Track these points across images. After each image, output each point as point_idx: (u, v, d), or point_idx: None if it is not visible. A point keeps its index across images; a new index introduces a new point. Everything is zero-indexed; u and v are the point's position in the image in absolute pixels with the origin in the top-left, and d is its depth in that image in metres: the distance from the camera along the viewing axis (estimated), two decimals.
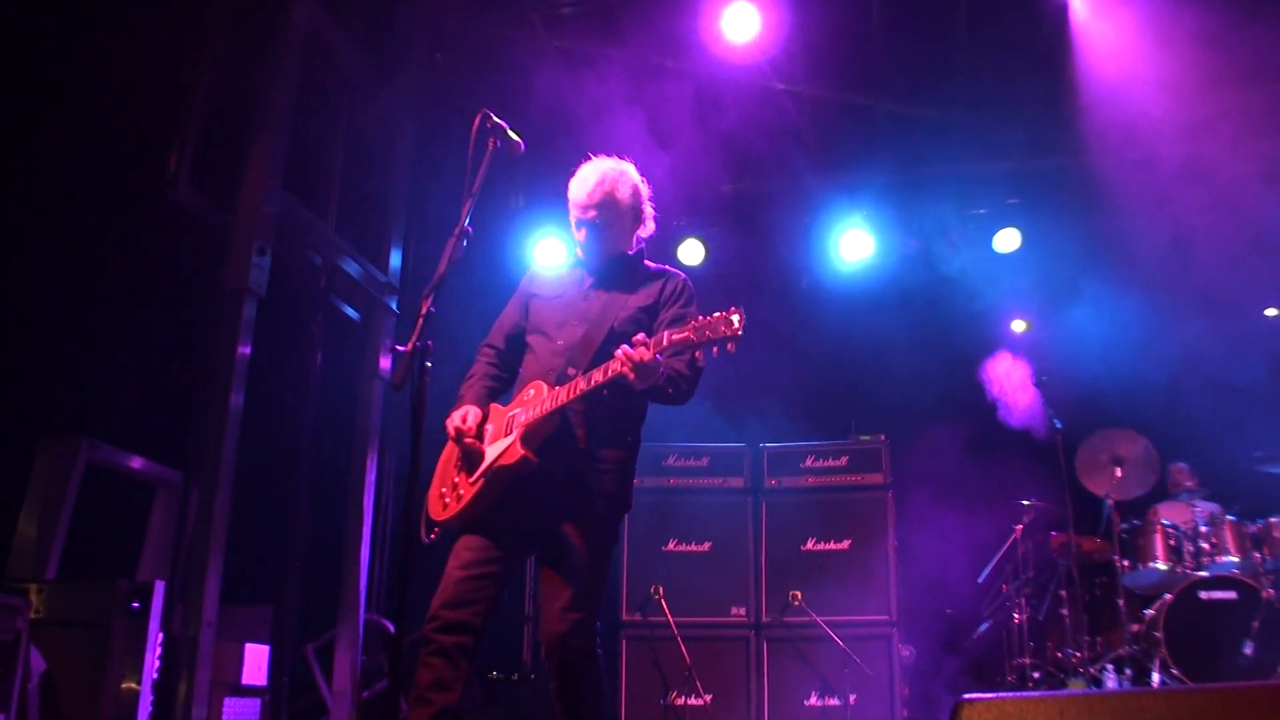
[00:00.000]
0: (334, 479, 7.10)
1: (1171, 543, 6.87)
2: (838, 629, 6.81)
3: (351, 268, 6.98)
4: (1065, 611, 7.07)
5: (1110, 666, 6.33)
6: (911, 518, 7.41)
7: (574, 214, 4.01)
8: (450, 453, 3.86)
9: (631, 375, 3.47)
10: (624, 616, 7.10)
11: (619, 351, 3.48)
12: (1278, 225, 8.20)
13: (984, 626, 7.67)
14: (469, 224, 3.33)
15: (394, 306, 7.49)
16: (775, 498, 7.36)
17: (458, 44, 8.00)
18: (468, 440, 3.72)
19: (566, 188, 4.01)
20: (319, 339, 6.92)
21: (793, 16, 7.35)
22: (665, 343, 3.48)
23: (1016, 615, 7.28)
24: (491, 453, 3.70)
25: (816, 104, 8.23)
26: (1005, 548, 7.52)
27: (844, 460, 7.31)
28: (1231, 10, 6.77)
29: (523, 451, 3.63)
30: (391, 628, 7.46)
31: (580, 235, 4.01)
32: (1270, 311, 9.06)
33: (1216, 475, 7.43)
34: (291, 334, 6.83)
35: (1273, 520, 6.85)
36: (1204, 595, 6.28)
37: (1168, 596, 6.42)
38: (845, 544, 7.14)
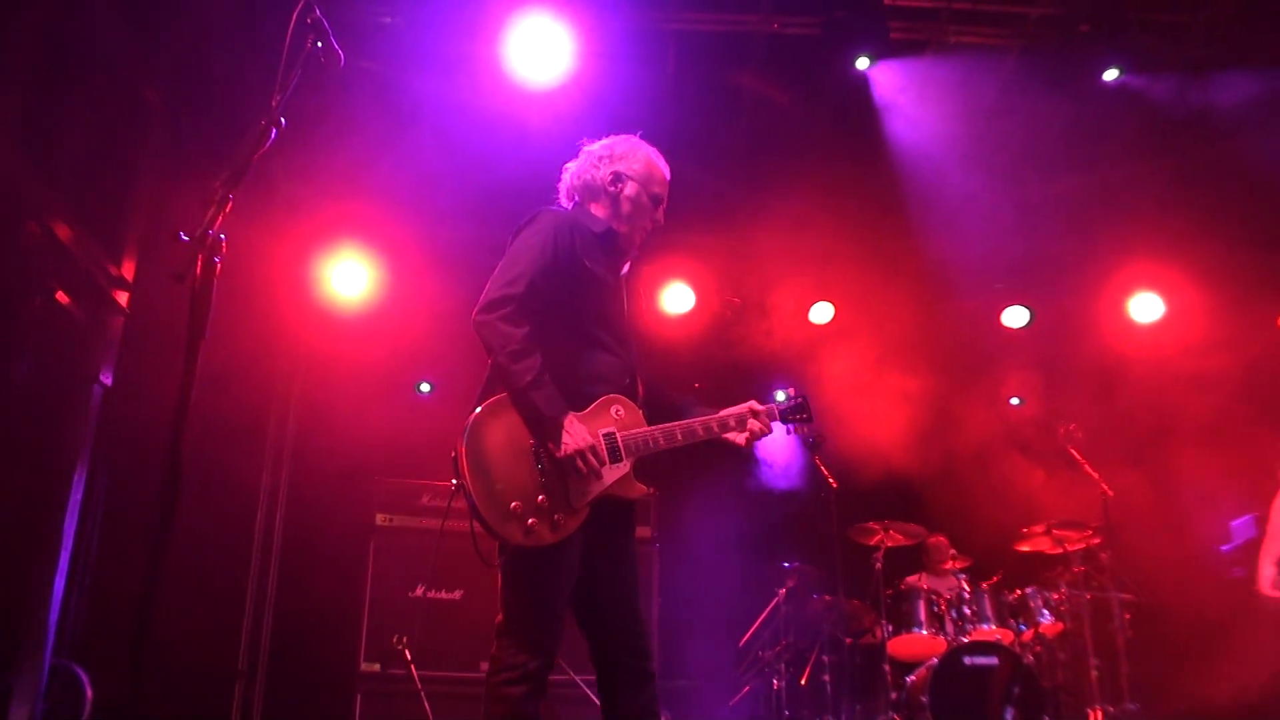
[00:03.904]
0: (23, 496, 6.22)
1: (935, 609, 6.95)
2: (595, 688, 6.44)
3: (81, 253, 6.23)
4: (827, 677, 6.98)
5: None
6: (677, 575, 7.20)
7: (661, 196, 3.89)
8: (515, 459, 3.31)
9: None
10: (361, 668, 6.53)
11: (754, 428, 3.72)
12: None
13: (743, 692, 7.48)
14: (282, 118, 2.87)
15: (124, 306, 6.74)
16: None
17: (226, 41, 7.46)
18: (593, 470, 3.33)
19: (639, 157, 3.87)
20: (31, 327, 6.10)
21: (597, 67, 7.20)
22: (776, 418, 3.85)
23: (776, 681, 7.14)
24: (607, 478, 3.38)
25: None
26: (766, 611, 7.41)
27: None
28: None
29: (645, 489, 3.49)
30: (83, 675, 6.57)
31: (650, 226, 3.88)
32: (1015, 400, 9.59)
33: (974, 549, 7.61)
34: None
35: (1028, 590, 7.09)
36: (968, 661, 6.34)
37: (933, 661, 6.43)
38: None
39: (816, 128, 8.02)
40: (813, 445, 7.47)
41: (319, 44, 2.99)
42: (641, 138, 3.96)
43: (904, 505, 7.85)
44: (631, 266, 3.86)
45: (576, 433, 3.29)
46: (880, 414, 8.07)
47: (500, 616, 3.40)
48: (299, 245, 7.94)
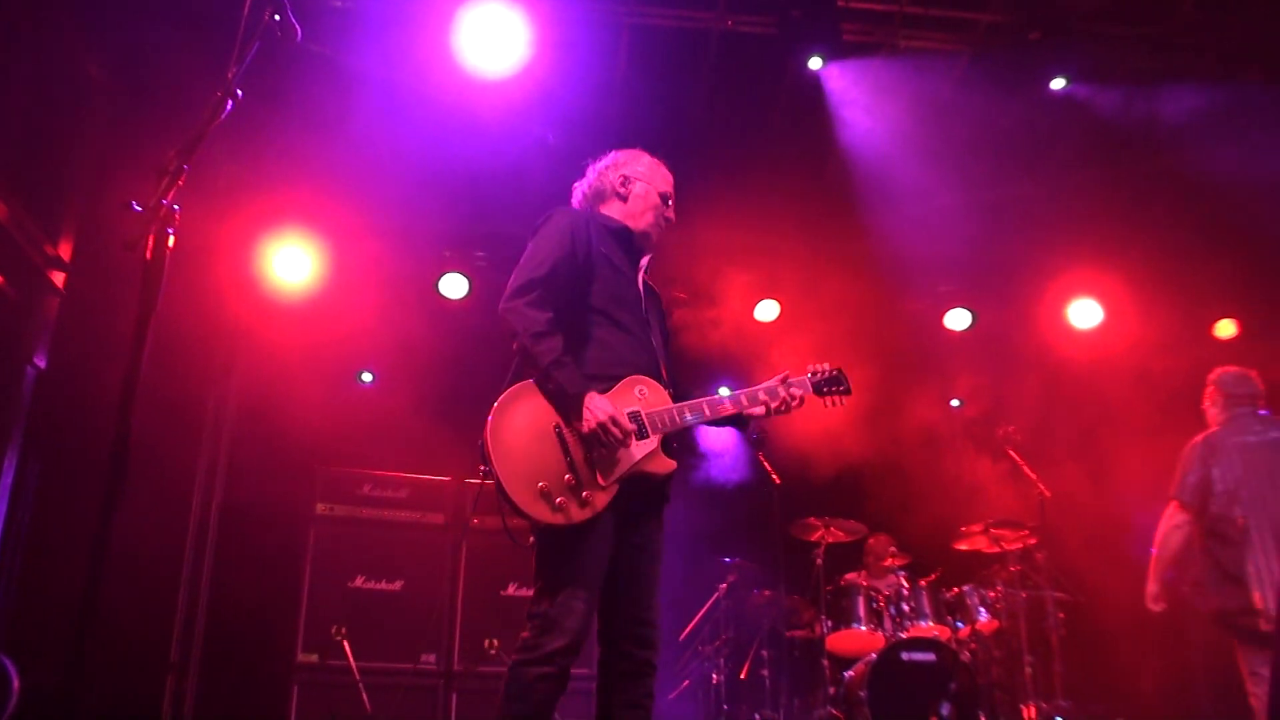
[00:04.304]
0: None
1: (875, 605, 7.05)
2: None
3: (17, 231, 6.11)
4: (766, 672, 7.07)
5: None
6: None
7: (669, 194, 4.07)
8: (540, 440, 3.35)
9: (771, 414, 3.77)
10: (299, 658, 6.48)
11: (794, 393, 3.79)
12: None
13: (682, 686, 7.54)
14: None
15: (60, 287, 6.62)
16: (478, 538, 7.04)
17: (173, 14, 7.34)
18: (617, 442, 3.36)
19: (635, 158, 4.08)
20: None
21: (550, 58, 7.18)
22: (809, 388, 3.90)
23: (715, 675, 7.20)
24: (634, 454, 3.42)
25: (573, 153, 8.10)
26: (707, 606, 7.48)
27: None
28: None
29: (673, 463, 3.52)
30: (10, 666, 6.45)
31: (664, 224, 4.02)
32: (954, 402, 9.77)
33: (914, 546, 7.73)
34: None
35: (965, 588, 7.22)
36: (905, 656, 6.44)
37: (872, 656, 6.53)
38: None
39: (768, 126, 8.10)
40: (756, 441, 7.55)
41: (276, 17, 2.99)
42: (591, 128, 4.06)
43: (845, 502, 7.94)
44: (652, 262, 3.95)
45: (599, 407, 3.33)
46: (823, 412, 8.14)
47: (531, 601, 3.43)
48: (243, 228, 7.84)
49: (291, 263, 7.95)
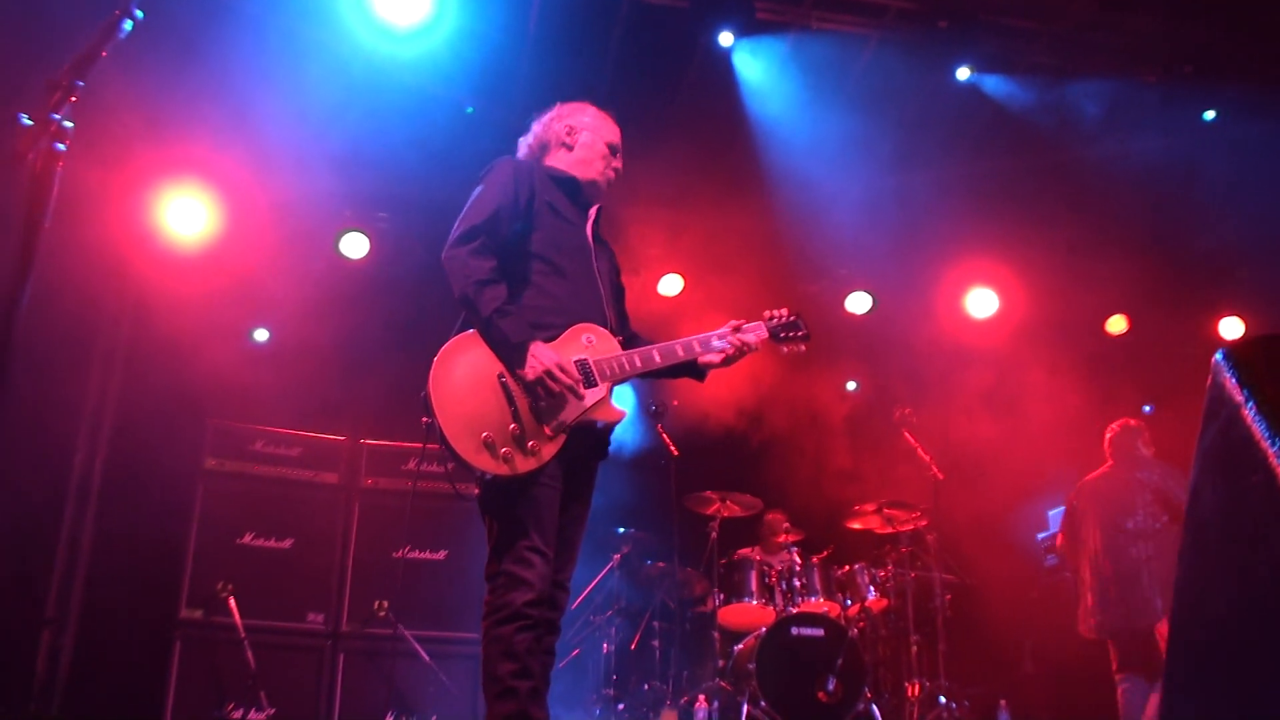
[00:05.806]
0: None
1: (767, 580, 7.30)
2: (425, 645, 6.64)
3: None
4: (656, 643, 7.28)
5: (702, 697, 6.56)
6: None
7: (616, 145, 4.02)
8: (483, 390, 3.35)
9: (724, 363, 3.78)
10: (182, 614, 6.53)
11: (750, 339, 3.79)
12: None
13: (572, 655, 7.71)
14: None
15: None
16: (371, 499, 7.15)
17: None
18: (563, 390, 3.38)
19: (585, 109, 4.07)
20: None
21: (459, 17, 7.25)
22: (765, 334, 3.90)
23: (606, 645, 7.40)
24: (582, 403, 3.44)
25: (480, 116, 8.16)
26: (600, 575, 7.66)
27: (450, 466, 7.16)
28: None
29: (623, 411, 3.52)
30: None
31: (613, 174, 3.98)
32: (851, 385, 10.10)
33: (807, 523, 8.01)
34: None
35: (855, 567, 7.51)
36: (795, 631, 6.69)
37: (761, 630, 6.77)
38: (442, 554, 7.05)
39: (675, 100, 8.27)
40: (655, 413, 7.75)
41: None
42: (496, 90, 4.09)
43: (742, 478, 8.18)
44: (602, 213, 3.93)
45: (544, 355, 3.34)
46: (724, 389, 8.38)
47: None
48: (138, 176, 7.76)
49: (187, 214, 7.92)
